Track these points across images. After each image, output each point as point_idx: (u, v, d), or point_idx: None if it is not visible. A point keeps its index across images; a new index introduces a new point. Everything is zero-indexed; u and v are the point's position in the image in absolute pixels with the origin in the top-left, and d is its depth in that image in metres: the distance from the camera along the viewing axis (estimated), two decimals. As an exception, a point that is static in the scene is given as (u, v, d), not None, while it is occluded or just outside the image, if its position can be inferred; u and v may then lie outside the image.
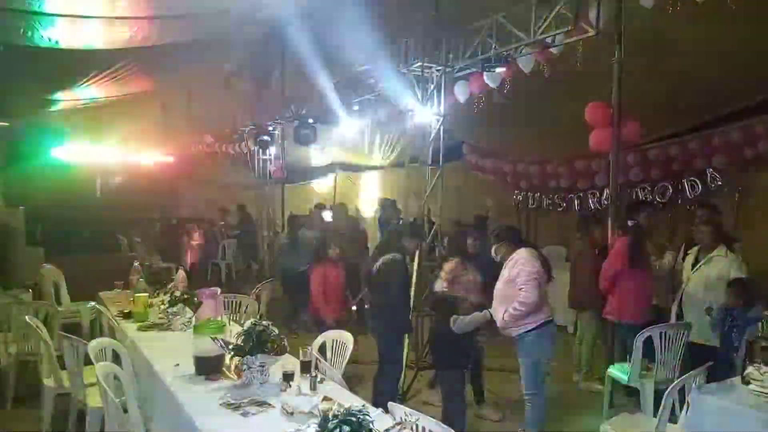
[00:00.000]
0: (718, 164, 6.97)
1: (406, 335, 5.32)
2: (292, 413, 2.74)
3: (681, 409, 3.48)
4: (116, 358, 3.97)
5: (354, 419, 2.23)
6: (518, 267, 4.14)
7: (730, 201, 7.05)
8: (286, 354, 3.29)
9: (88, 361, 3.83)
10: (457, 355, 4.36)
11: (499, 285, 4.34)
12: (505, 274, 4.27)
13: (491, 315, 4.27)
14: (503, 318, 4.20)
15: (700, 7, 4.82)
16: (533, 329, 4.16)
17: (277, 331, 3.23)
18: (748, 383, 3.33)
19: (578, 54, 5.29)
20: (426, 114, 6.32)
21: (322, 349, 4.11)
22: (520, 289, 4.09)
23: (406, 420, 2.48)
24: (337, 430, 2.20)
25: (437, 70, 6.22)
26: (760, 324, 3.63)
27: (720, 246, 4.83)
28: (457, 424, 4.31)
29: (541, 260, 4.28)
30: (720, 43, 5.69)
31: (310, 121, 9.20)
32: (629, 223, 5.32)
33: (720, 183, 7.09)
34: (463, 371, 4.46)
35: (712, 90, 6.46)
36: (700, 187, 7.31)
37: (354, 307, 7.18)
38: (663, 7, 4.86)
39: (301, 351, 3.34)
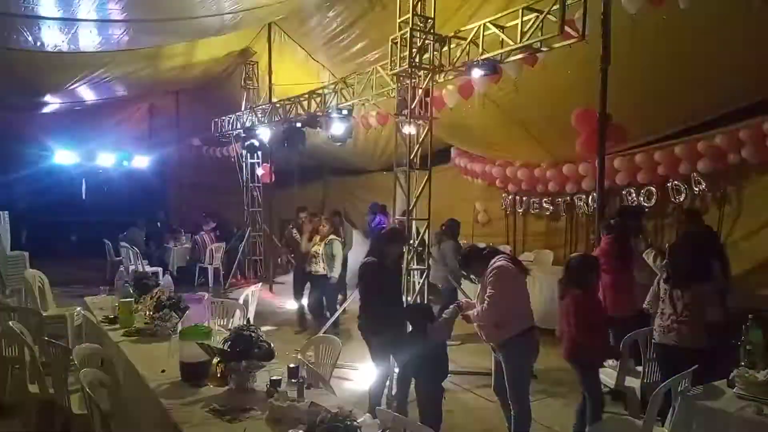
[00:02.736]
0: (703, 169, 7.04)
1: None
2: (279, 419, 2.72)
3: (668, 412, 3.50)
4: (101, 365, 3.93)
5: (341, 425, 2.23)
6: (495, 280, 4.10)
7: (714, 206, 7.15)
8: (273, 359, 3.27)
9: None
10: (434, 366, 4.35)
11: (480, 295, 4.33)
12: (484, 285, 4.24)
13: (459, 309, 4.30)
14: (489, 328, 4.20)
15: (685, 14, 4.88)
16: (516, 336, 4.12)
17: (263, 336, 3.22)
18: (733, 386, 3.36)
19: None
20: (414, 118, 6.33)
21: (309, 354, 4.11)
22: (484, 301, 4.09)
23: (392, 426, 2.48)
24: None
25: (425, 75, 6.23)
26: (744, 327, 3.65)
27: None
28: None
29: (515, 264, 4.28)
30: (706, 48, 5.76)
31: (298, 125, 9.15)
32: (612, 222, 5.42)
33: (704, 188, 7.16)
34: (441, 382, 4.44)
35: (697, 96, 6.53)
36: (684, 191, 7.38)
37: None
38: (647, 13, 4.92)
39: (288, 356, 3.33)
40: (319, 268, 7.99)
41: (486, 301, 4.07)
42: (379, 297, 4.69)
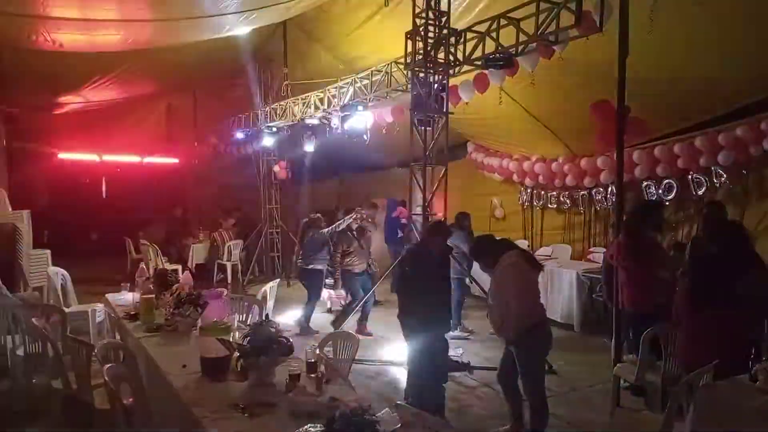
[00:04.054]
0: (724, 162, 6.94)
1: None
2: (298, 414, 2.74)
3: (688, 407, 3.46)
4: (123, 360, 3.99)
5: (360, 419, 2.24)
6: (505, 275, 4.15)
7: (736, 198, 7.04)
8: (292, 354, 3.29)
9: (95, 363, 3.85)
10: (433, 372, 4.34)
11: (491, 289, 4.39)
12: (495, 280, 4.30)
13: None
14: (501, 323, 4.22)
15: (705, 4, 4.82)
16: (528, 329, 4.14)
17: (283, 332, 3.24)
18: (756, 380, 3.31)
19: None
20: (430, 113, 6.32)
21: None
22: (509, 302, 4.10)
23: (412, 421, 2.48)
24: (344, 430, 2.20)
25: (441, 69, 6.21)
26: (767, 322, 3.60)
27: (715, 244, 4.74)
28: None
29: (527, 259, 4.31)
30: (726, 39, 5.67)
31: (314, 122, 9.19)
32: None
33: (725, 180, 7.06)
34: (442, 389, 4.42)
35: (717, 86, 6.43)
36: (705, 184, 7.27)
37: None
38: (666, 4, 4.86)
39: (306, 351, 3.35)
40: None
41: (510, 302, 4.08)
42: (408, 284, 4.70)
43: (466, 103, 7.28)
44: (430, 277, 4.65)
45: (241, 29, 8.22)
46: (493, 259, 4.30)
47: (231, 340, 3.36)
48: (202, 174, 16.03)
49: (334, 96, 8.68)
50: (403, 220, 10.34)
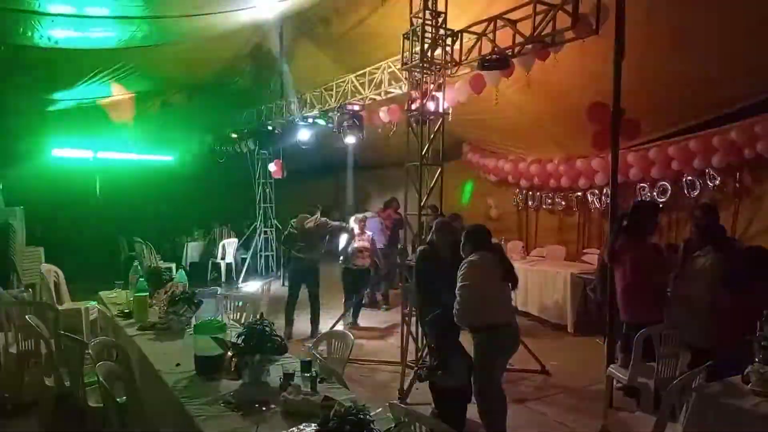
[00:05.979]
0: (718, 164, 6.97)
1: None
2: (292, 413, 2.74)
3: (681, 408, 3.48)
4: (117, 358, 3.98)
5: (354, 419, 2.23)
6: (463, 269, 4.28)
7: (729, 201, 7.07)
8: (287, 353, 3.29)
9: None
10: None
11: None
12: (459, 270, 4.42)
13: None
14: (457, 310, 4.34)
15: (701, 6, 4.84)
16: (482, 327, 4.25)
17: (276, 331, 3.23)
18: (748, 382, 3.33)
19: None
20: (426, 113, 6.32)
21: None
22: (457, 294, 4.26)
23: (407, 420, 2.48)
24: (338, 429, 2.20)
25: (437, 69, 6.21)
26: (759, 323, 3.61)
27: (707, 246, 4.74)
28: None
29: (496, 265, 4.35)
30: (720, 42, 5.70)
31: (310, 120, 9.18)
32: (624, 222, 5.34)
33: (719, 182, 7.09)
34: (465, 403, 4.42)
35: (711, 89, 6.46)
36: (699, 186, 7.31)
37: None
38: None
39: (301, 350, 3.35)
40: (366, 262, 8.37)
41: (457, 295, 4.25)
42: (424, 283, 4.73)
43: (462, 104, 7.29)
44: (440, 275, 4.66)
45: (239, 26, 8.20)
46: (469, 250, 4.41)
47: (225, 338, 3.35)
48: (197, 172, 15.96)
49: (330, 95, 8.67)
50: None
